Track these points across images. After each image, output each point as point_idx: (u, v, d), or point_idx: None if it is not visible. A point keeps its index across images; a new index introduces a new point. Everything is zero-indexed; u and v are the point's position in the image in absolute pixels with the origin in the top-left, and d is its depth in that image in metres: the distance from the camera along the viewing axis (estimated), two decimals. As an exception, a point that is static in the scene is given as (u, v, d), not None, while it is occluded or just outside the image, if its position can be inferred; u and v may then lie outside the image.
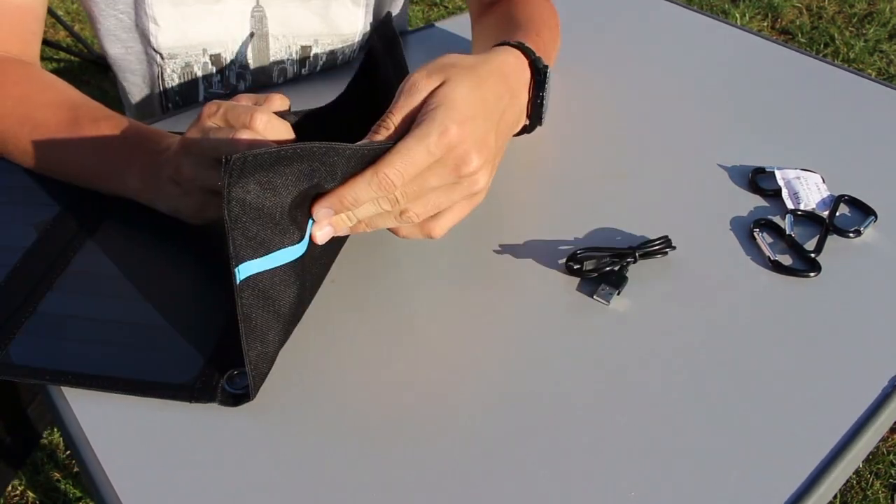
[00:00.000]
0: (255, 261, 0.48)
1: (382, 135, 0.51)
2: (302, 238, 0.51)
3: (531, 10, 0.76)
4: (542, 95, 0.63)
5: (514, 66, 0.60)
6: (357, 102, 0.63)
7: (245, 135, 0.52)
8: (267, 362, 0.52)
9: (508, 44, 0.62)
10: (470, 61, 0.55)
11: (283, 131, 0.54)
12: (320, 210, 0.51)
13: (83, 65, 2.39)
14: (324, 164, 0.48)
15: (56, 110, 0.66)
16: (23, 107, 0.67)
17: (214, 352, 0.54)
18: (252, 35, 0.81)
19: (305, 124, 0.59)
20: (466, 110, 0.51)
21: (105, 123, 0.64)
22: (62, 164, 0.66)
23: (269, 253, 0.49)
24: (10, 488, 1.36)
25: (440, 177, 0.51)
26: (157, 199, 0.62)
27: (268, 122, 0.53)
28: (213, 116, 0.55)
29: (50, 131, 0.65)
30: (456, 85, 0.52)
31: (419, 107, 0.52)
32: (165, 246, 0.63)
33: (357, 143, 0.50)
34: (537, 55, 0.62)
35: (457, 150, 0.51)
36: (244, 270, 0.48)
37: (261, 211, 0.47)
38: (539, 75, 0.62)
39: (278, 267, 0.50)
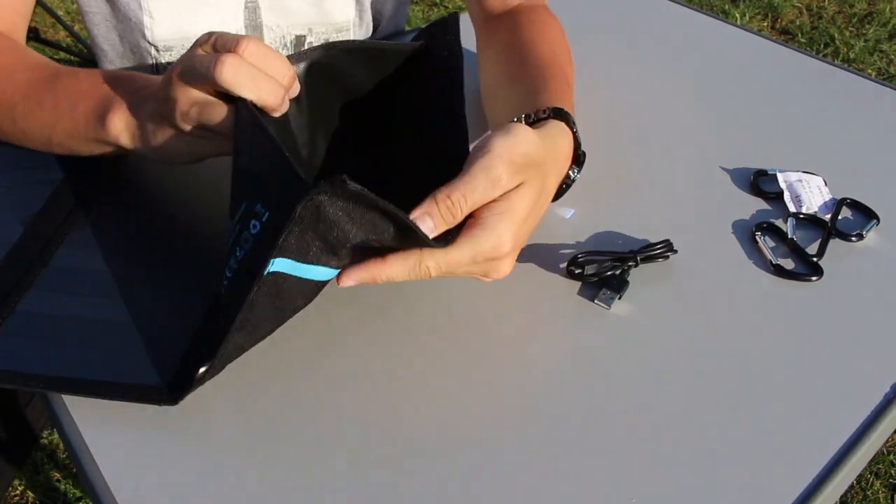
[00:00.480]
0: (290, 261, 0.48)
1: (456, 216, 0.49)
2: (337, 269, 0.51)
3: (548, 35, 0.73)
4: (574, 179, 0.61)
5: (566, 154, 0.59)
6: (380, 78, 0.62)
7: (229, 58, 0.50)
8: (235, 355, 0.51)
9: (561, 113, 0.60)
10: (542, 155, 0.53)
11: (275, 61, 0.52)
12: (349, 281, 0.50)
13: (83, 65, 2.39)
14: (393, 227, 0.48)
15: (39, 70, 0.65)
16: (7, 73, 0.65)
17: (188, 353, 0.53)
18: (246, 27, 0.81)
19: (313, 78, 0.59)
20: (524, 217, 0.51)
21: (84, 73, 0.63)
22: (46, 123, 0.63)
23: (306, 263, 0.48)
24: (9, 488, 1.36)
25: (469, 271, 0.52)
26: (141, 139, 0.58)
27: (256, 51, 0.51)
28: (205, 45, 0.53)
29: (35, 88, 0.63)
30: (527, 192, 0.51)
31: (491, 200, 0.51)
32: (148, 241, 0.62)
33: (428, 230, 0.49)
34: (577, 132, 0.60)
35: (497, 259, 0.51)
36: (277, 264, 0.47)
37: (328, 227, 0.47)
38: (578, 153, 0.61)
39: (303, 278, 0.49)
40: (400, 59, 0.62)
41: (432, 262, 0.50)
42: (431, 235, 0.49)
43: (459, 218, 0.49)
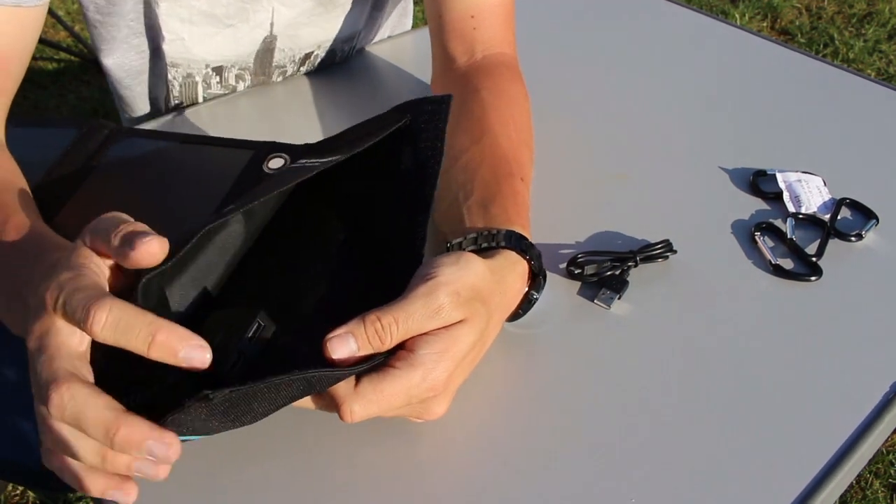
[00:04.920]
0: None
1: (384, 341, 0.44)
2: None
3: (505, 113, 0.66)
4: (536, 298, 0.56)
5: (516, 290, 0.54)
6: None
7: (65, 363, 0.39)
8: None
9: (512, 238, 0.54)
10: (490, 290, 0.49)
11: (136, 326, 0.39)
12: None
13: (83, 65, 2.39)
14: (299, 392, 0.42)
15: None
16: None
17: None
18: (259, 50, 0.81)
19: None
20: (463, 357, 0.46)
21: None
22: None
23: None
24: (10, 488, 1.36)
25: (399, 412, 0.46)
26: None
27: (108, 321, 0.39)
28: (56, 300, 0.40)
29: None
30: (470, 331, 0.46)
31: (428, 332, 0.45)
32: None
33: (350, 352, 0.43)
34: (540, 266, 0.55)
35: (430, 399, 0.46)
36: None
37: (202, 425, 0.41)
38: (538, 281, 0.55)
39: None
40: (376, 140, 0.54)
41: (358, 406, 0.43)
42: (352, 360, 0.44)
43: (388, 344, 0.44)
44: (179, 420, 0.39)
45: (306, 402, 0.46)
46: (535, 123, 0.69)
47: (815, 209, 0.68)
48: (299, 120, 0.79)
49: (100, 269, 0.42)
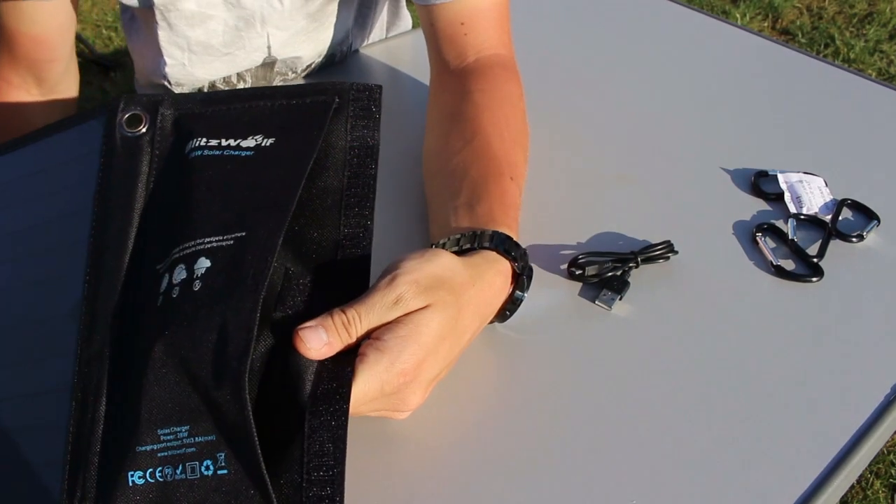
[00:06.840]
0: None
1: (351, 333, 0.45)
2: None
3: (497, 113, 0.65)
4: (522, 298, 0.55)
5: (496, 287, 0.53)
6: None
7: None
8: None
9: (494, 239, 0.54)
10: (459, 280, 0.49)
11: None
12: None
13: (84, 65, 2.39)
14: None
15: None
16: None
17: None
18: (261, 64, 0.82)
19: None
20: (432, 343, 0.46)
21: None
22: None
23: None
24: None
25: (374, 406, 0.47)
26: None
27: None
28: None
29: None
30: (435, 316, 0.46)
31: (392, 320, 0.46)
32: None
33: (321, 343, 0.44)
34: (524, 265, 0.55)
35: (404, 389, 0.46)
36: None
37: None
38: (521, 281, 0.55)
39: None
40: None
41: None
42: (324, 350, 0.44)
43: (354, 335, 0.45)
44: None
45: None
46: (535, 124, 0.69)
47: (817, 210, 0.68)
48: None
49: None
